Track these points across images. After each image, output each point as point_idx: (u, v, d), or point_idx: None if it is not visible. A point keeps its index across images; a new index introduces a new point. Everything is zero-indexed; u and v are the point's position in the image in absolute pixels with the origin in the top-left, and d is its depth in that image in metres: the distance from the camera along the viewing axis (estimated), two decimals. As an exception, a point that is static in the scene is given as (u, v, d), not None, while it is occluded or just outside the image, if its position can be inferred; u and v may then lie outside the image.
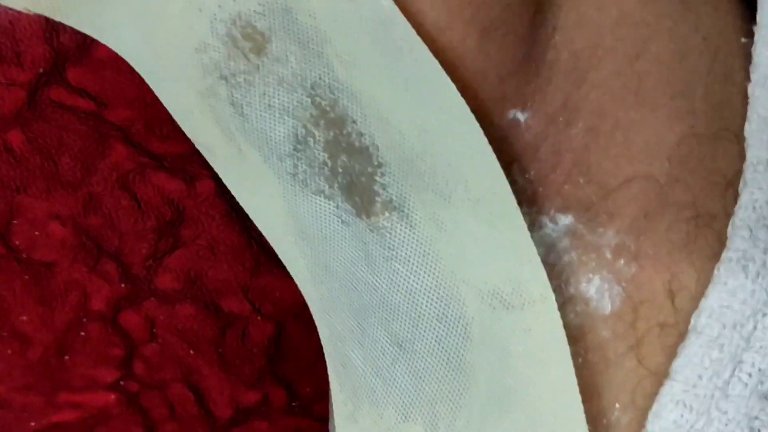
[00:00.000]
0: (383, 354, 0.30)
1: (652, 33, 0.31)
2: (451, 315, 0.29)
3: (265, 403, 0.39)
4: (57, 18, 0.31)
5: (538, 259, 0.29)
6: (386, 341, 0.30)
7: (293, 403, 0.39)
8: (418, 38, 0.28)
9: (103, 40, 0.31)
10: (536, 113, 0.30)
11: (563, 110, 0.31)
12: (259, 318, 0.38)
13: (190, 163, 0.36)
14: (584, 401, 0.29)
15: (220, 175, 0.32)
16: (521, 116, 0.30)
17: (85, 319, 0.37)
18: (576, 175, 0.31)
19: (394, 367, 0.30)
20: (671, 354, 0.30)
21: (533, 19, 0.30)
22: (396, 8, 0.28)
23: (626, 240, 0.31)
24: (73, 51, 0.35)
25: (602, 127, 0.31)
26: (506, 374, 0.29)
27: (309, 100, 0.29)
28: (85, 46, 0.35)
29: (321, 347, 0.33)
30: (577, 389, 0.29)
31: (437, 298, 0.29)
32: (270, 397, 0.39)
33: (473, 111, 0.29)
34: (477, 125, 0.29)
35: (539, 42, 0.30)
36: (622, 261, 0.31)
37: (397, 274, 0.30)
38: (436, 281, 0.29)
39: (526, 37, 0.30)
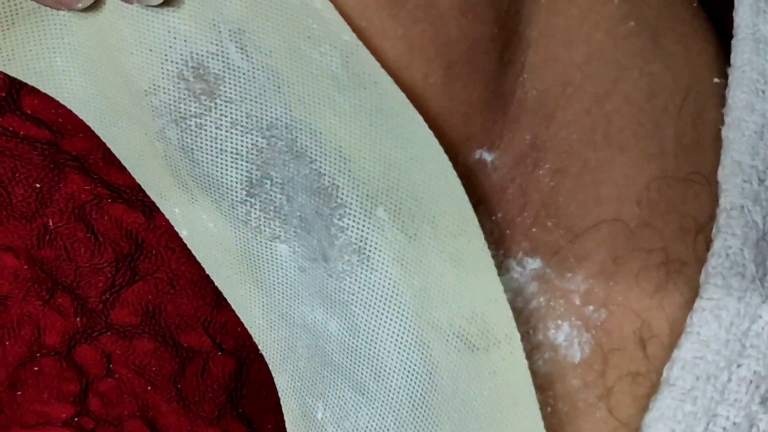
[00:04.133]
0: (345, 403, 0.29)
1: (621, 72, 0.30)
2: (416, 360, 0.28)
3: (224, 442, 0.38)
4: None
5: (504, 298, 0.28)
6: (348, 390, 0.29)
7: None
8: (383, 71, 0.27)
9: (43, 88, 0.30)
10: (504, 153, 0.30)
11: (531, 150, 0.30)
12: (219, 353, 0.37)
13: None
14: (553, 452, 0.29)
15: (171, 222, 0.31)
16: (488, 156, 0.29)
17: (38, 354, 0.36)
18: (544, 218, 0.30)
19: (357, 417, 0.29)
20: (643, 405, 0.29)
21: (501, 56, 0.29)
22: (359, 42, 0.27)
23: (595, 285, 0.30)
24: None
25: (570, 168, 0.30)
26: (473, 420, 0.28)
27: (265, 141, 0.28)
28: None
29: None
30: None
31: (401, 342, 0.28)
32: (230, 436, 0.38)
33: None
34: (446, 159, 0.28)
35: (507, 80, 0.29)
36: (591, 307, 0.30)
37: (358, 319, 0.29)
38: (400, 325, 0.28)
39: (493, 75, 0.29)
